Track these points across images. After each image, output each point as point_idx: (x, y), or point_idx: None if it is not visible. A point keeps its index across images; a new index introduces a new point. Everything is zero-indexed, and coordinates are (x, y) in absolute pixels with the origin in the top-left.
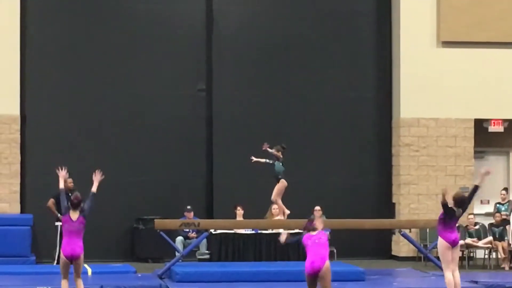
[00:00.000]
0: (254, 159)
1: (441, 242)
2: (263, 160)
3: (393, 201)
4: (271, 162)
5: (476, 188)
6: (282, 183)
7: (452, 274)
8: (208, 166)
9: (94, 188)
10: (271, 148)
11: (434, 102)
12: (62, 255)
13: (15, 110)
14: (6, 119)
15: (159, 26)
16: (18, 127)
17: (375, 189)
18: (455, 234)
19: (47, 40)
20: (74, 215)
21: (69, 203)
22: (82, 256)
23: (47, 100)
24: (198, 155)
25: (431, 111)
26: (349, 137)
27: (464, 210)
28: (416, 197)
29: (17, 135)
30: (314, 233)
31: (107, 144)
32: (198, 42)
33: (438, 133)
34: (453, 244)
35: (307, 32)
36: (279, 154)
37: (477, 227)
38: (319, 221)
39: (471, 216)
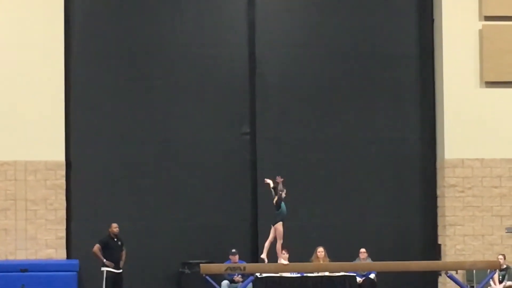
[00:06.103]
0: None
1: None
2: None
3: (439, 242)
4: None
5: None
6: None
7: None
8: (253, 209)
9: None
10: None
11: (479, 142)
12: None
13: (60, 156)
14: (51, 165)
15: (203, 70)
16: (63, 172)
17: (420, 230)
18: None
19: (92, 85)
20: None
21: None
22: None
23: (92, 146)
24: (243, 198)
25: (475, 152)
26: (394, 179)
27: None
28: (462, 238)
29: (63, 181)
30: None
31: (151, 189)
32: (242, 85)
33: (483, 174)
34: None
35: (350, 75)
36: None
37: None
38: None
39: None
